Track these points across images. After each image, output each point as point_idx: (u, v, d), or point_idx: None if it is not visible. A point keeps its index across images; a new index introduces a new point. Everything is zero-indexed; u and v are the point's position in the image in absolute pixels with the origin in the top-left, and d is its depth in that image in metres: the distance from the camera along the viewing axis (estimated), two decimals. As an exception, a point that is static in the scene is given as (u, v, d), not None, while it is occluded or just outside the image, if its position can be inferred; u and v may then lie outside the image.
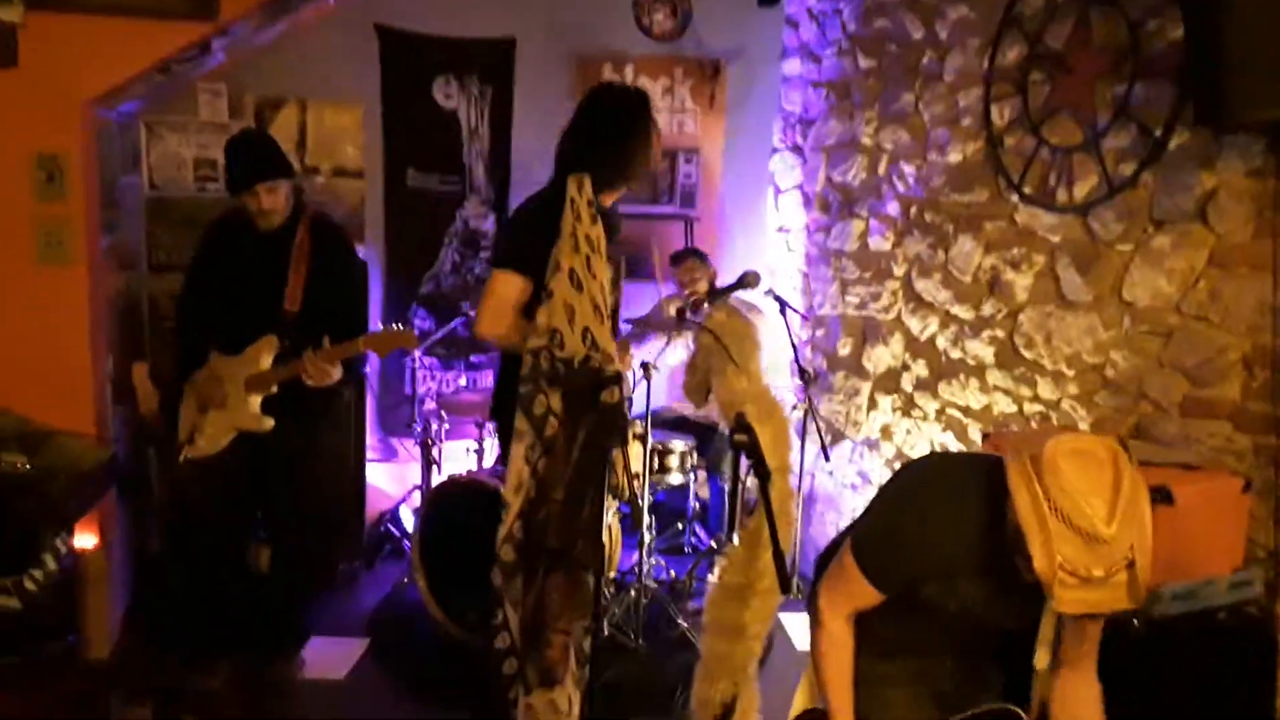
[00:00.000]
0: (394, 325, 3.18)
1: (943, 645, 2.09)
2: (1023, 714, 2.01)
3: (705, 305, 2.47)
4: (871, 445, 4.49)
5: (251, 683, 3.43)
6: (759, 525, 2.06)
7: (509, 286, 2.73)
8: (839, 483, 4.70)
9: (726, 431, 2.10)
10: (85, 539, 3.45)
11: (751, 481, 2.20)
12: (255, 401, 3.28)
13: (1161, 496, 2.42)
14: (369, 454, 4.61)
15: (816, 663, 2.03)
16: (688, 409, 4.64)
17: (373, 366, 4.74)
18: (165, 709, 3.18)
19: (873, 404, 4.50)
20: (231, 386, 3.30)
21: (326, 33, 4.60)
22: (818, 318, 4.93)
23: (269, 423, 3.29)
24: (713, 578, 2.20)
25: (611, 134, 2.78)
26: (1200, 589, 2.47)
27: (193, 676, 3.37)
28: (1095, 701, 2.04)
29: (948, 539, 1.87)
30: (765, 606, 2.17)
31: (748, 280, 2.49)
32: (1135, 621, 2.43)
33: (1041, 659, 1.92)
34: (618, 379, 2.37)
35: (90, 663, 3.39)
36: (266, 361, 3.27)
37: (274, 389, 3.27)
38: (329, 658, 3.68)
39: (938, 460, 2.05)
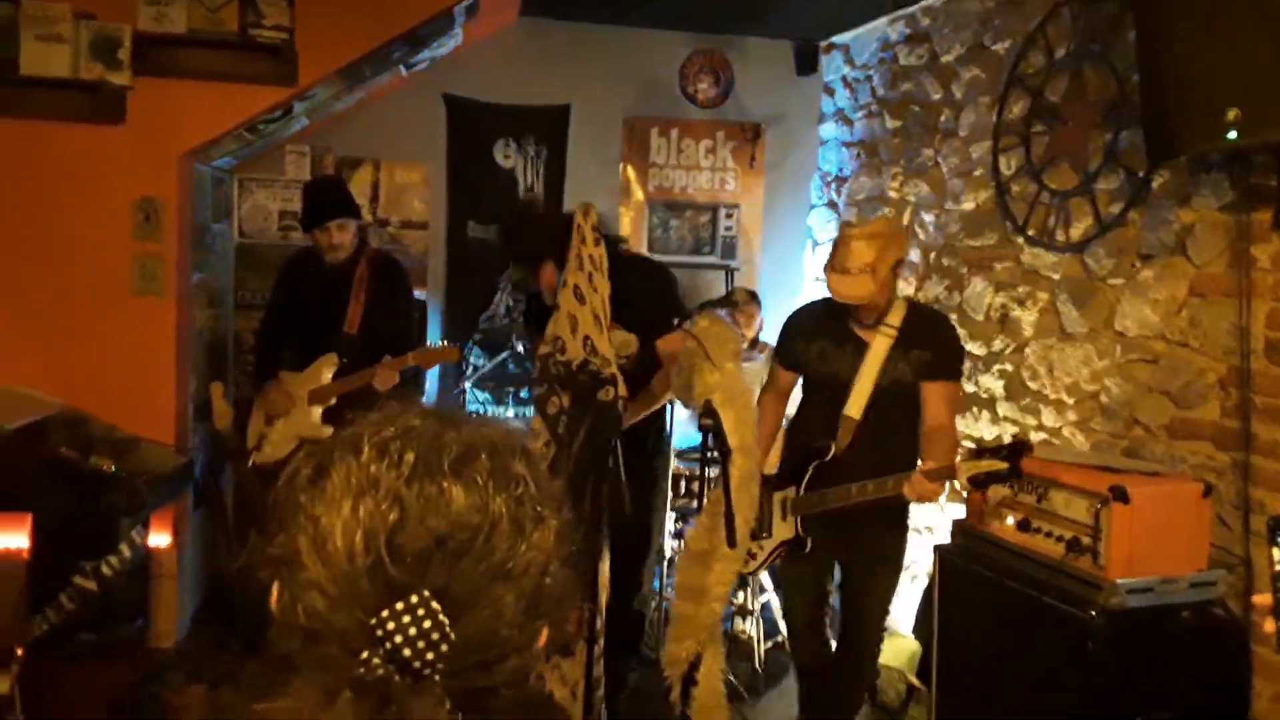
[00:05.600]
0: (440, 342, 3.56)
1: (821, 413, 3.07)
2: (832, 445, 2.95)
3: (694, 315, 2.77)
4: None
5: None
6: (720, 497, 2.31)
7: None
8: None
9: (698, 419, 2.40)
10: (160, 538, 3.84)
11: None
12: (317, 412, 3.67)
13: (1118, 495, 2.59)
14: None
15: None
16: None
17: (428, 400, 5.12)
18: (219, 689, 3.49)
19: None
20: (296, 399, 3.70)
21: (399, 101, 5.12)
22: (849, 363, 5.15)
23: (328, 431, 3.67)
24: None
25: None
26: (1158, 585, 2.61)
27: (248, 663, 3.70)
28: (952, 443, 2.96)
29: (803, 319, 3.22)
30: (726, 571, 2.40)
31: (735, 296, 2.79)
32: (1093, 613, 2.58)
33: (853, 408, 2.94)
34: (613, 380, 2.66)
35: (157, 648, 3.76)
36: (327, 376, 3.68)
37: (334, 401, 3.66)
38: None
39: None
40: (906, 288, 4.68)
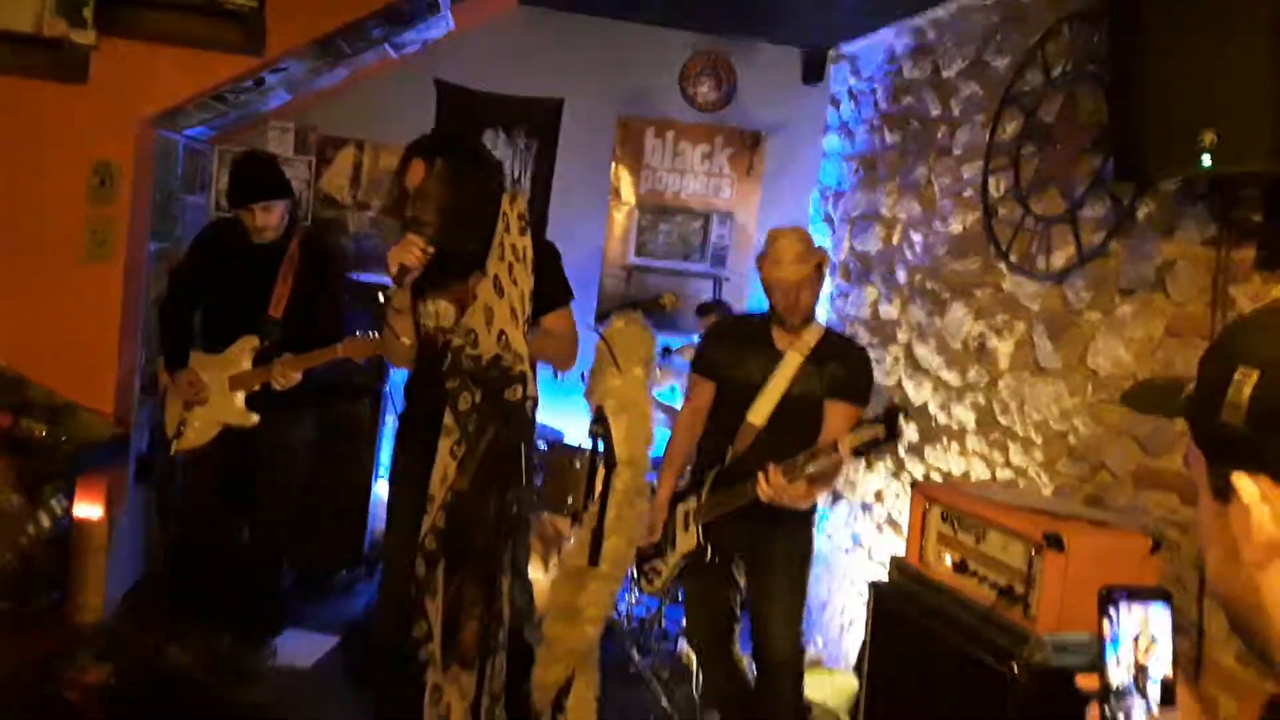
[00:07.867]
0: (370, 333, 3.41)
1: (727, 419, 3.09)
2: (729, 450, 2.99)
3: (611, 315, 2.61)
4: (865, 508, 4.45)
5: (221, 661, 3.62)
6: (596, 510, 2.14)
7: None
8: (835, 545, 4.66)
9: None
10: (91, 509, 3.74)
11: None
12: (239, 398, 3.54)
13: (1052, 542, 2.39)
14: (382, 470, 4.83)
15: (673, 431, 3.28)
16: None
17: (395, 386, 4.99)
18: (129, 674, 3.38)
19: (869, 466, 4.48)
20: (215, 383, 3.57)
21: (388, 83, 5.01)
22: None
23: (254, 418, 3.54)
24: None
25: None
26: (1090, 643, 2.39)
27: (166, 649, 3.58)
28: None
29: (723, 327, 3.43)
30: (601, 591, 2.23)
31: (662, 301, 2.63)
32: (1014, 667, 2.38)
33: (757, 414, 2.98)
34: (522, 378, 2.50)
35: (74, 623, 3.66)
36: (247, 362, 3.54)
37: (256, 387, 3.53)
38: (299, 648, 3.85)
39: None
40: (892, 311, 4.49)
